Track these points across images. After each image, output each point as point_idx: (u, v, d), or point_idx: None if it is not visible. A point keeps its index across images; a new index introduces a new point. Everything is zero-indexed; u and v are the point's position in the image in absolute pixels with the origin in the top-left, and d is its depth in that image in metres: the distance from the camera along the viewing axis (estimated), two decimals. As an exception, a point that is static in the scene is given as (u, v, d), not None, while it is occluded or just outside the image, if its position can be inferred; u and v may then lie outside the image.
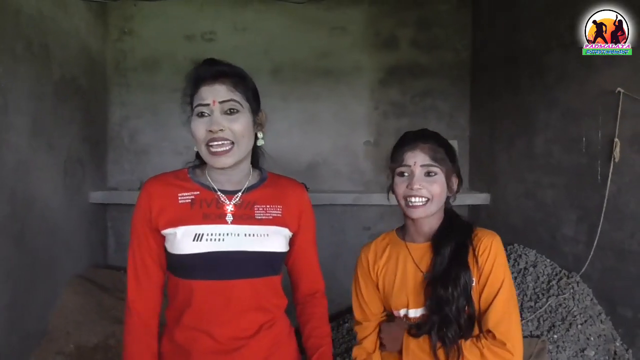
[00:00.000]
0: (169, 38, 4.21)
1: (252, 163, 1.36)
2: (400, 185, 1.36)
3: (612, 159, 2.46)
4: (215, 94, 1.20)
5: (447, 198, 1.42)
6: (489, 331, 1.30)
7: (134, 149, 4.26)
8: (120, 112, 4.24)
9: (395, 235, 1.48)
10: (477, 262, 1.33)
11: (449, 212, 1.44)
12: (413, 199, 1.33)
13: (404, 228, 1.48)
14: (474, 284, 1.33)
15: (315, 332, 1.39)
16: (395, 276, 1.41)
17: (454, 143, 4.38)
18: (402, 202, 1.36)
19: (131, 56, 4.23)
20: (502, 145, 3.80)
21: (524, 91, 3.47)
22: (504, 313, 1.30)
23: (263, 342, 1.28)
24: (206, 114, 1.21)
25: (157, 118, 4.23)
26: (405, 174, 1.35)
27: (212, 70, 1.23)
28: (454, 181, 1.41)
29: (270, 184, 1.35)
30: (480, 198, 3.96)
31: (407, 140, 1.39)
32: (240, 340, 1.25)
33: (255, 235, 1.26)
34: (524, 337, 2.55)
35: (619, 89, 2.41)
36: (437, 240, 1.38)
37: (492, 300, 1.31)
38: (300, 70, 4.31)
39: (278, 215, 1.30)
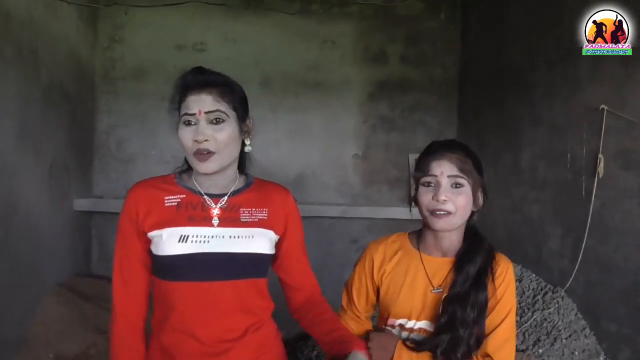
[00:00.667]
0: (159, 47, 4.22)
1: (239, 168, 1.37)
2: (425, 196, 1.32)
3: (597, 174, 2.50)
4: (202, 104, 1.22)
5: (471, 214, 1.37)
6: (487, 355, 1.29)
7: (121, 157, 4.23)
8: (107, 120, 4.22)
9: (409, 242, 1.44)
10: (493, 284, 1.31)
11: (471, 229, 1.39)
12: (438, 212, 1.30)
13: (419, 237, 1.43)
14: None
15: (336, 328, 1.33)
16: (403, 285, 1.38)
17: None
18: (426, 213, 1.32)
19: (120, 64, 4.22)
20: (488, 161, 3.83)
21: (510, 107, 3.52)
22: (506, 340, 1.30)
23: (250, 345, 1.27)
24: (192, 123, 1.23)
25: (145, 127, 4.21)
26: (431, 184, 1.31)
27: (199, 79, 1.25)
28: (480, 196, 1.36)
29: (255, 189, 1.37)
30: (467, 212, 3.97)
31: (435, 149, 1.34)
32: (227, 342, 1.25)
33: (240, 237, 1.27)
34: (519, 352, 2.56)
35: (602, 105, 2.45)
36: (463, 258, 1.34)
37: (498, 325, 1.30)
38: (290, 82, 4.34)
39: (264, 217, 1.32)
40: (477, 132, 4.07)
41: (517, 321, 2.67)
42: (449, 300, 1.30)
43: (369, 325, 1.52)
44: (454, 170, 1.29)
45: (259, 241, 1.28)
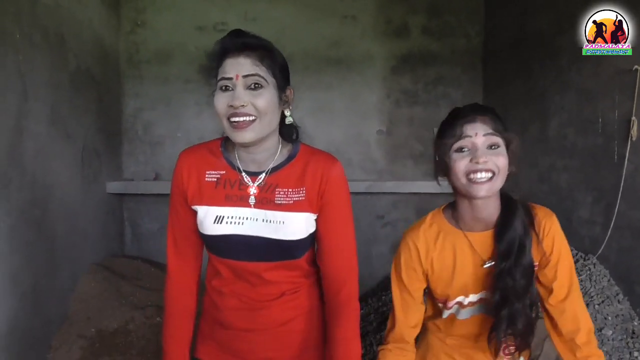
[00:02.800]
0: (181, 29, 4.24)
1: (284, 138, 1.30)
2: (462, 162, 1.22)
3: (630, 137, 2.45)
4: (239, 67, 1.16)
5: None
6: (552, 305, 1.29)
7: (149, 140, 4.30)
8: (134, 103, 4.28)
9: (446, 222, 1.37)
10: (537, 240, 1.29)
11: (504, 195, 1.34)
12: (479, 175, 1.21)
13: (454, 212, 1.37)
14: (535, 267, 1.30)
15: (340, 349, 1.29)
16: (454, 267, 1.33)
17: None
18: (464, 180, 1.23)
19: (144, 48, 4.26)
20: (515, 131, 3.76)
21: (536, 75, 3.45)
22: (569, 288, 1.29)
23: (286, 306, 1.31)
24: (229, 88, 1.17)
25: (171, 109, 4.27)
26: (465, 149, 1.23)
27: (237, 42, 1.19)
28: (514, 159, 1.29)
29: (297, 163, 1.27)
30: (494, 184, 3.94)
31: (464, 113, 1.27)
32: (264, 302, 1.30)
33: (272, 222, 1.22)
34: (541, 318, 2.56)
35: (636, 66, 2.40)
36: (502, 228, 1.29)
37: (556, 278, 1.28)
38: (311, 59, 4.32)
39: (299, 199, 1.24)
40: (502, 103, 4.01)
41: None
42: (497, 275, 1.27)
43: (412, 355, 1.44)
44: (489, 129, 1.23)
45: (290, 226, 1.22)
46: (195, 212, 1.28)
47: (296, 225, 1.23)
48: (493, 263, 1.28)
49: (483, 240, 1.31)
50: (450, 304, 1.36)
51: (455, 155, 1.24)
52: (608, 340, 2.38)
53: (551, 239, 1.29)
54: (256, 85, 1.17)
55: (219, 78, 1.19)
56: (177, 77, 4.18)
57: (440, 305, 1.41)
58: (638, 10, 2.27)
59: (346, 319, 1.28)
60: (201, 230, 1.26)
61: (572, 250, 2.94)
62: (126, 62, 4.26)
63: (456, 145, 1.24)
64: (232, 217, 1.22)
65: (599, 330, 2.42)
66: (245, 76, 1.16)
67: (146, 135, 4.30)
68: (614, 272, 2.64)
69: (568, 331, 1.29)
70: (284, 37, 4.28)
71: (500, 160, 1.22)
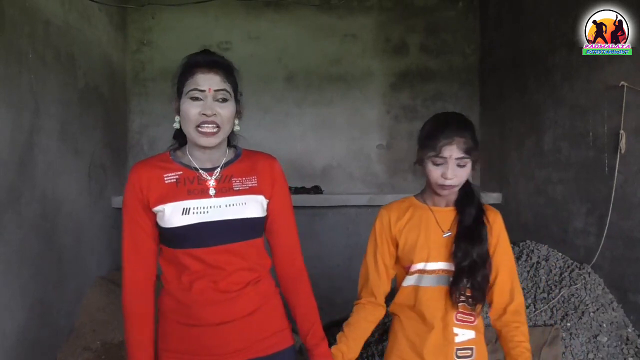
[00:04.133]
0: (186, 48, 4.22)
1: (228, 144, 1.51)
2: (435, 172, 1.50)
3: (619, 150, 2.54)
4: (211, 82, 1.35)
5: None
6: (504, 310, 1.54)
7: (154, 155, 4.39)
8: (140, 120, 4.39)
9: (416, 200, 1.64)
10: (489, 224, 1.54)
11: (466, 182, 1.60)
12: (447, 183, 1.48)
13: (423, 194, 1.63)
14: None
15: (303, 312, 1.51)
16: (419, 234, 1.56)
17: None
18: (434, 186, 1.52)
19: (150, 66, 4.39)
20: (512, 145, 3.88)
21: (531, 91, 3.56)
22: (512, 285, 1.56)
23: (250, 296, 1.42)
24: (199, 99, 1.35)
25: (175, 126, 4.36)
26: (440, 163, 1.49)
27: (208, 59, 1.38)
28: (476, 165, 1.57)
29: (244, 159, 1.49)
30: (493, 197, 4.02)
31: (443, 129, 1.50)
32: (231, 293, 1.39)
33: (235, 204, 1.40)
34: (538, 326, 2.62)
35: (622, 82, 2.50)
36: (462, 203, 1.57)
37: (501, 272, 1.55)
38: (313, 76, 4.45)
39: (253, 185, 1.45)
40: (499, 118, 4.11)
41: (544, 298, 2.74)
42: (459, 237, 1.52)
43: (382, 311, 1.65)
44: (461, 154, 1.47)
45: (251, 206, 1.41)
46: (153, 217, 1.40)
47: (255, 204, 1.43)
48: (451, 234, 1.54)
49: (445, 214, 1.58)
50: (413, 268, 1.56)
51: (430, 166, 1.51)
52: (603, 346, 2.44)
53: (499, 227, 1.57)
54: (223, 99, 1.37)
55: (190, 89, 1.36)
56: (181, 94, 4.29)
57: (404, 272, 1.61)
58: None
59: (305, 283, 1.54)
60: (169, 225, 1.36)
61: (567, 260, 3.01)
62: (132, 80, 4.38)
63: (434, 159, 1.50)
64: (197, 208, 1.37)
65: (594, 337, 2.47)
66: (216, 90, 1.36)
67: (151, 151, 4.39)
68: (608, 280, 2.70)
69: (500, 301, 1.55)
70: (286, 56, 4.42)
71: (463, 174, 1.50)
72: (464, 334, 1.53)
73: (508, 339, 1.54)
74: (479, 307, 1.53)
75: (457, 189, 1.53)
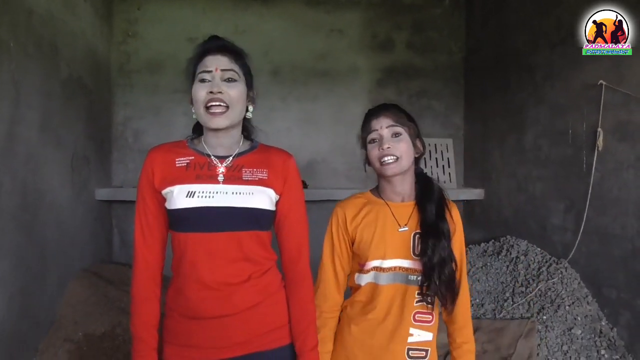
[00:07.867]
0: (171, 41, 4.34)
1: (243, 135, 1.52)
2: (373, 151, 1.52)
3: (596, 148, 2.59)
4: (218, 62, 1.38)
5: (417, 161, 1.60)
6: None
7: (138, 148, 4.37)
8: (124, 112, 4.36)
9: (372, 195, 1.62)
10: (451, 216, 1.55)
11: (421, 175, 1.61)
12: (385, 158, 1.49)
13: (378, 189, 1.62)
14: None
15: (297, 318, 1.48)
16: (375, 230, 1.54)
17: (449, 142, 4.53)
18: (377, 165, 1.52)
19: (135, 58, 4.36)
20: (494, 143, 3.93)
21: (514, 90, 3.61)
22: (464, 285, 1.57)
23: (253, 290, 1.41)
24: (207, 80, 1.37)
25: (160, 119, 4.35)
26: (375, 140, 1.52)
27: (216, 44, 1.42)
28: (419, 143, 1.59)
29: (259, 152, 1.50)
30: (475, 193, 4.08)
31: (372, 112, 1.58)
32: (231, 286, 1.39)
33: (242, 193, 1.40)
34: (515, 319, 2.67)
35: (601, 81, 2.54)
36: (422, 199, 1.55)
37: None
38: (299, 71, 4.45)
39: (264, 177, 1.44)
40: (482, 116, 4.17)
41: (522, 292, 2.79)
42: (424, 233, 1.50)
43: (340, 299, 1.64)
44: (391, 122, 1.51)
45: (258, 197, 1.41)
46: (163, 200, 1.42)
47: (263, 196, 1.42)
48: (407, 229, 1.53)
49: (401, 209, 1.56)
50: (368, 266, 1.54)
51: (369, 147, 1.54)
52: (577, 339, 2.49)
53: (457, 217, 1.58)
54: (230, 79, 1.39)
55: (199, 71, 1.39)
56: (166, 87, 4.27)
57: (360, 270, 1.59)
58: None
59: (305, 289, 1.50)
60: (173, 207, 1.37)
61: (545, 255, 3.07)
62: (117, 71, 4.35)
63: (369, 138, 1.54)
64: (203, 192, 1.38)
65: (568, 330, 2.53)
66: (223, 70, 1.38)
67: (136, 143, 4.38)
68: (584, 275, 2.76)
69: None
70: (272, 50, 4.42)
71: (402, 146, 1.50)
72: (419, 335, 1.51)
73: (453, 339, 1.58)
74: (437, 306, 1.52)
75: (402, 164, 1.50)
